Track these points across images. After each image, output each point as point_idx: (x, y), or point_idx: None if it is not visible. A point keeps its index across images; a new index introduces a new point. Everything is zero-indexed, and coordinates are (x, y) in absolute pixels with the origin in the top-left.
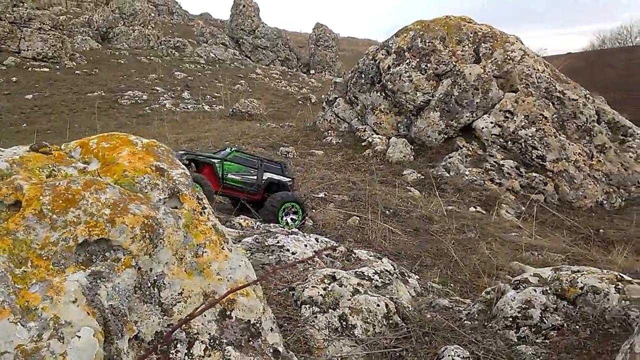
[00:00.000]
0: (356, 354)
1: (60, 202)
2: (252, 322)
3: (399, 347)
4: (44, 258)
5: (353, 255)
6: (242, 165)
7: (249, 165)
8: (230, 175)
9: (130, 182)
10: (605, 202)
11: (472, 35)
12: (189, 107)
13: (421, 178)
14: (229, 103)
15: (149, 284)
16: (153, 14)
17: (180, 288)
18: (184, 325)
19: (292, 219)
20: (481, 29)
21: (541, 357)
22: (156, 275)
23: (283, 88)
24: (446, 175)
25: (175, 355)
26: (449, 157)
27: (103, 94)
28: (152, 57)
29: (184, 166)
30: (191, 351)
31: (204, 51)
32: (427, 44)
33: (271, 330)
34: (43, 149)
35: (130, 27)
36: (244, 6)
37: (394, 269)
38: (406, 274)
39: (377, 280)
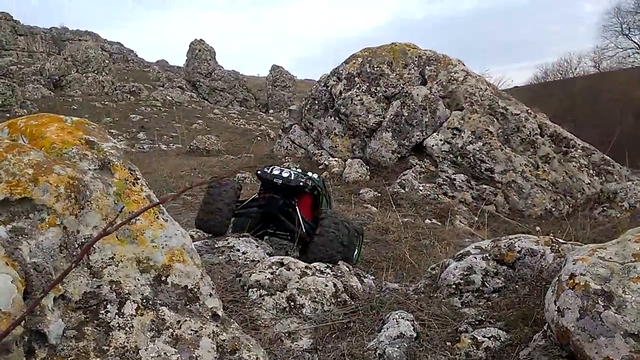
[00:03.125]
0: (304, 328)
1: None
2: (189, 287)
3: (346, 320)
4: None
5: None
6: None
7: (326, 194)
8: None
9: (57, 153)
10: (553, 209)
11: (417, 59)
12: (144, 146)
13: (378, 196)
14: (186, 141)
15: (76, 246)
16: (107, 61)
17: (111, 253)
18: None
19: None
20: (425, 53)
21: (483, 316)
22: (84, 238)
23: (241, 126)
24: (401, 192)
25: (105, 315)
26: (404, 175)
27: None
28: (106, 102)
29: (115, 140)
30: (122, 310)
31: (160, 95)
32: (375, 69)
33: (210, 295)
34: None
35: (84, 74)
36: (199, 50)
37: (349, 270)
38: (362, 275)
39: (328, 274)
